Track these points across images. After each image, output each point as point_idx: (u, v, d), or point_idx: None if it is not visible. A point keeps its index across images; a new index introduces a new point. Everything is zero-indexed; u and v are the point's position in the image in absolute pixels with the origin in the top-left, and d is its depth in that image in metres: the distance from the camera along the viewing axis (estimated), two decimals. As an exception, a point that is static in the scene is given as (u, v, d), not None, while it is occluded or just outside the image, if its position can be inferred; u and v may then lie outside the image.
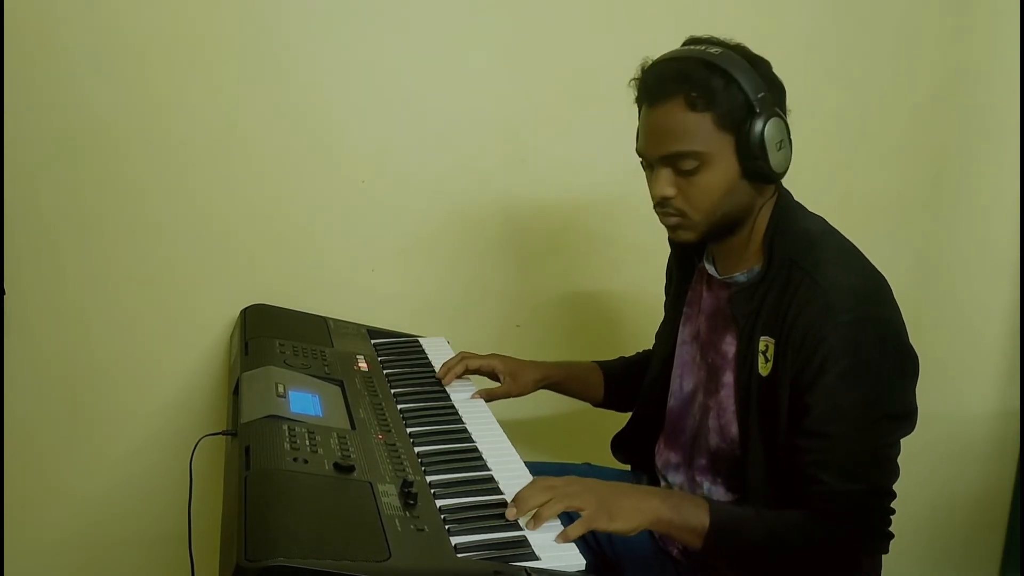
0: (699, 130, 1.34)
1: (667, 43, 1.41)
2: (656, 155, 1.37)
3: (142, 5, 1.83)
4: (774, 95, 1.36)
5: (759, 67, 1.36)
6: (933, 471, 2.41)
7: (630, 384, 1.74)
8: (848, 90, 2.21)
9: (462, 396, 1.66)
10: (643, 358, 1.77)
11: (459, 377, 1.71)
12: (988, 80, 2.28)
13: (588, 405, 1.81)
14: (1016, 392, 2.41)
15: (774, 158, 1.34)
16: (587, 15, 2.04)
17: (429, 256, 2.09)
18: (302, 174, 1.98)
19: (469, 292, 2.13)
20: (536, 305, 2.18)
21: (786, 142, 1.35)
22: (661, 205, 1.40)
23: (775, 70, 1.39)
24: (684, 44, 1.40)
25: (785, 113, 1.38)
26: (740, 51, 1.37)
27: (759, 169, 1.35)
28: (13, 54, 1.79)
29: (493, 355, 1.73)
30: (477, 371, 1.73)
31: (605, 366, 1.79)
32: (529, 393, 1.72)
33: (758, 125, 1.32)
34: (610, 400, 1.78)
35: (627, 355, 1.82)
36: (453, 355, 1.84)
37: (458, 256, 2.11)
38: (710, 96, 1.32)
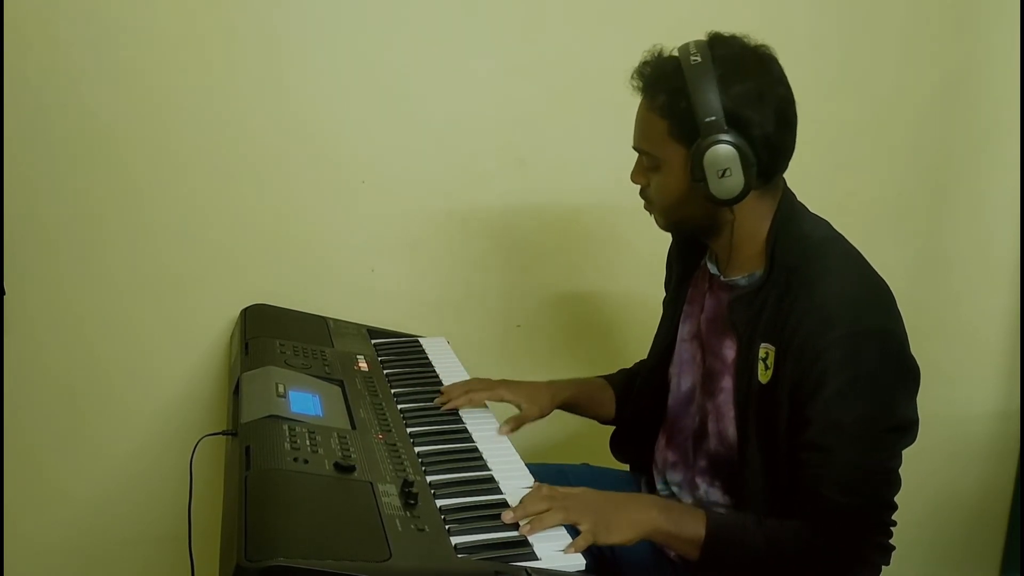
0: (657, 134, 1.37)
1: (666, 45, 1.41)
2: (633, 144, 1.43)
3: (142, 7, 1.83)
4: (747, 118, 1.30)
5: (735, 86, 1.30)
6: (933, 471, 2.41)
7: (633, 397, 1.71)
8: (848, 91, 2.21)
9: (483, 430, 1.56)
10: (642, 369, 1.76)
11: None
12: (988, 81, 2.28)
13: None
14: (1016, 392, 2.41)
15: (714, 184, 1.32)
16: (586, 16, 2.04)
17: (429, 256, 2.09)
18: (302, 174, 1.98)
19: (469, 292, 2.13)
20: (536, 305, 2.18)
21: (735, 170, 1.30)
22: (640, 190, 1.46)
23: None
24: (707, 38, 1.37)
25: (757, 139, 1.31)
26: (734, 61, 1.32)
27: (701, 191, 1.34)
28: (13, 55, 1.78)
29: (499, 384, 1.65)
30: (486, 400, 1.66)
31: (614, 382, 1.75)
32: (548, 414, 1.66)
33: (701, 148, 1.31)
34: (621, 416, 1.73)
35: (627, 366, 1.79)
36: (453, 356, 1.83)
37: (458, 256, 2.11)
38: (669, 106, 1.34)
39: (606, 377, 1.76)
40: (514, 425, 1.58)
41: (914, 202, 2.34)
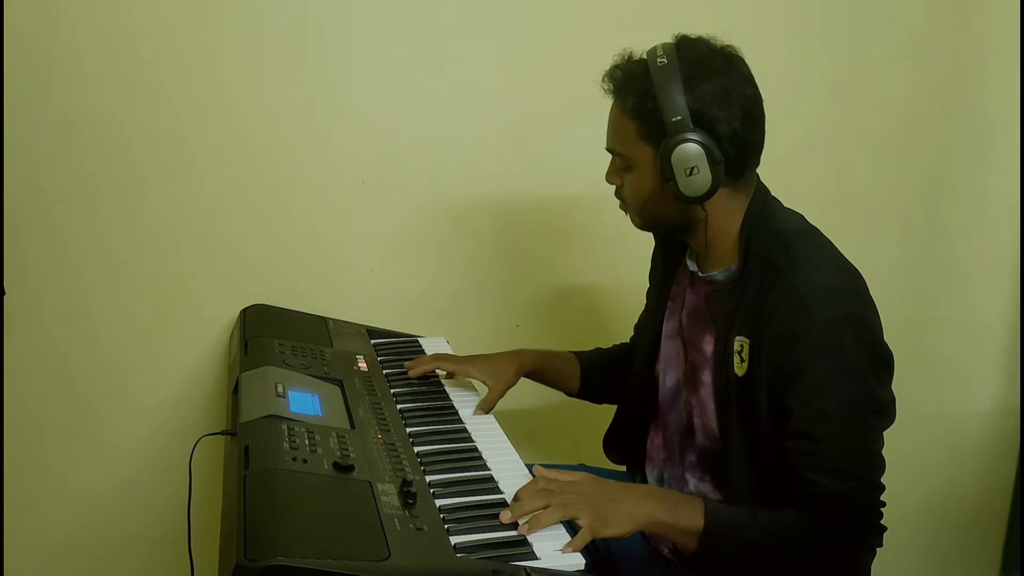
0: (627, 135, 1.39)
1: (636, 48, 1.41)
2: (607, 145, 1.45)
3: (142, 7, 1.83)
4: (714, 116, 1.31)
5: (701, 85, 1.32)
6: (933, 470, 2.41)
7: (605, 376, 1.76)
8: (848, 90, 2.21)
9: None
10: (619, 351, 1.79)
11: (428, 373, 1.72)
12: (988, 80, 2.28)
13: (584, 404, 1.81)
14: (1016, 390, 2.41)
15: (683, 183, 1.33)
16: (585, 14, 2.04)
17: (429, 256, 2.09)
18: (302, 174, 1.98)
19: (468, 292, 2.13)
20: (535, 304, 2.18)
21: (702, 168, 1.32)
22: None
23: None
24: (674, 40, 1.39)
25: (724, 137, 1.32)
26: (700, 62, 1.33)
27: (670, 189, 1.35)
28: (16, 52, 1.79)
29: (467, 360, 1.70)
30: (451, 375, 1.72)
31: (582, 357, 1.80)
32: (514, 384, 1.71)
33: (668, 147, 1.32)
34: (585, 391, 1.79)
35: (605, 347, 1.82)
36: (451, 354, 1.84)
37: (457, 256, 2.11)
38: (637, 107, 1.36)
39: (577, 352, 1.80)
40: (486, 408, 1.63)
41: (914, 201, 2.34)
